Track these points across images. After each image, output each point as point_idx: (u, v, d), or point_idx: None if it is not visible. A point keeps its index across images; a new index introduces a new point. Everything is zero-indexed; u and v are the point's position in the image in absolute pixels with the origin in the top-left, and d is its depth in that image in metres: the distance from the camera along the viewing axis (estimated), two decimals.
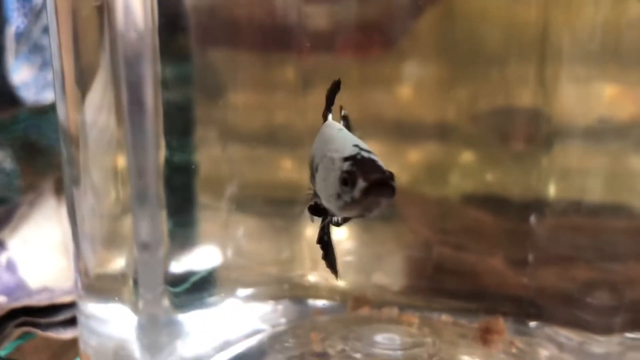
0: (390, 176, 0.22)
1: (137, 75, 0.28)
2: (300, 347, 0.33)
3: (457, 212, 0.34)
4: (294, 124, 0.33)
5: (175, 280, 0.33)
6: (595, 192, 0.30)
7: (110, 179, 0.30)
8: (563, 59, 0.30)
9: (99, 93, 0.29)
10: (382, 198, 0.22)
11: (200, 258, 0.35)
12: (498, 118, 0.32)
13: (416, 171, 0.34)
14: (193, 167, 0.33)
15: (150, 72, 0.29)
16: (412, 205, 0.35)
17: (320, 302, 0.36)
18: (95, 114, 0.30)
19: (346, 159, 0.22)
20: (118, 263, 0.31)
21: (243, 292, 0.36)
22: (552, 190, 0.31)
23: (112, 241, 0.31)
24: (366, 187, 0.21)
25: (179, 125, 0.32)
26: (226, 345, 0.33)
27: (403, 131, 0.34)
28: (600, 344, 0.31)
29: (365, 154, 0.22)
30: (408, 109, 0.33)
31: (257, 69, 0.33)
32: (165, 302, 0.33)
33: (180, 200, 0.33)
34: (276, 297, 0.36)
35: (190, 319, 0.34)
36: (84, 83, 0.29)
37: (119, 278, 0.31)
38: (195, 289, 0.34)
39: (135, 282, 0.30)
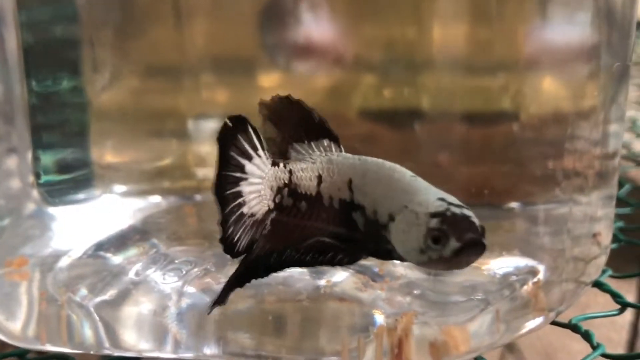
0: (483, 233, 0.22)
1: None
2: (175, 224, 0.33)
3: (354, 124, 0.35)
4: (173, 57, 0.34)
5: (48, 176, 0.34)
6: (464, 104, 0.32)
7: None
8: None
9: None
10: (474, 257, 0.22)
11: (76, 159, 0.36)
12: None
13: (321, 95, 0.35)
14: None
15: None
16: None
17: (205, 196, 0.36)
18: None
19: (433, 215, 0.22)
20: None
21: (120, 188, 0.36)
22: (428, 103, 0.33)
23: None
24: (459, 247, 0.21)
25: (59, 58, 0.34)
26: (101, 234, 0.34)
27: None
28: None
29: (457, 210, 0.22)
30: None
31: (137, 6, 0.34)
32: (35, 195, 0.34)
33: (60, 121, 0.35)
34: (158, 192, 0.36)
35: (64, 213, 0.34)
36: None
37: None
38: (70, 185, 0.35)
39: None
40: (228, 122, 0.24)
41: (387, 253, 0.24)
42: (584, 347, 0.30)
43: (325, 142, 0.26)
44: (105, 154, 0.36)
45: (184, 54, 0.34)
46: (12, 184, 0.34)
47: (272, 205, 0.25)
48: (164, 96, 0.35)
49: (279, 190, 0.25)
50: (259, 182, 0.25)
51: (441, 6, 0.32)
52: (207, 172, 0.36)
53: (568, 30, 0.32)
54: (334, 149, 0.26)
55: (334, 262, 0.25)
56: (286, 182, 0.25)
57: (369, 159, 0.25)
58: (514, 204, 0.33)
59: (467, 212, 0.22)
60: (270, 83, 0.35)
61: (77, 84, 0.35)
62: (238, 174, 0.25)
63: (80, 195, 0.35)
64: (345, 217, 0.25)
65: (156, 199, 0.36)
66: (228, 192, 0.24)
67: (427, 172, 0.33)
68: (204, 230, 0.34)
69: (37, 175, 0.34)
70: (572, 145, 0.33)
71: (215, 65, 0.34)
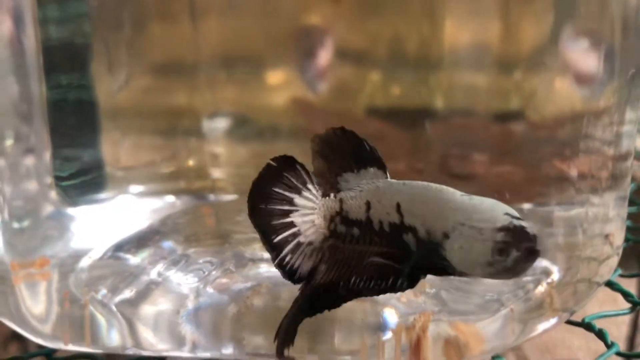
0: (537, 240, 0.24)
1: None
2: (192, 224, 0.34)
3: (362, 123, 0.36)
4: (187, 54, 0.34)
5: (65, 177, 0.35)
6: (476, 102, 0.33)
7: None
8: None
9: None
10: (530, 263, 0.24)
11: (92, 159, 0.36)
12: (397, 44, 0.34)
13: (328, 93, 0.35)
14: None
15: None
16: (317, 117, 0.36)
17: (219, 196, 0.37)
18: None
19: (500, 229, 0.24)
20: None
21: (136, 188, 0.36)
22: (441, 102, 0.34)
23: None
24: (518, 256, 0.24)
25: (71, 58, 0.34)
26: (120, 235, 0.34)
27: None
28: None
29: (517, 222, 0.24)
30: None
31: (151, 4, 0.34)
32: (53, 195, 0.34)
33: (74, 121, 0.35)
34: (173, 193, 0.36)
35: (82, 214, 0.35)
36: None
37: None
38: (86, 185, 0.35)
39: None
40: (272, 162, 0.26)
41: (443, 269, 0.26)
42: (583, 342, 0.31)
43: (372, 170, 0.27)
44: (120, 154, 0.37)
45: (197, 52, 0.34)
46: (30, 186, 0.34)
47: (327, 233, 0.27)
48: (178, 95, 0.36)
49: (332, 218, 0.27)
50: (312, 212, 0.27)
51: (452, 3, 0.32)
52: (221, 173, 0.37)
53: (582, 30, 0.32)
54: (380, 176, 0.27)
55: (396, 288, 0.26)
56: (337, 210, 0.27)
57: (414, 182, 0.27)
58: (527, 205, 0.33)
59: (525, 223, 0.24)
60: (282, 81, 0.35)
61: (91, 83, 0.35)
62: (286, 207, 0.27)
63: (97, 196, 0.35)
64: (396, 239, 0.26)
65: (171, 199, 0.36)
66: (276, 222, 0.26)
67: (436, 172, 0.34)
68: (221, 231, 0.34)
69: (57, 177, 0.34)
70: (586, 146, 0.33)
71: (228, 64, 0.34)
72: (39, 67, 0.33)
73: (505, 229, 0.24)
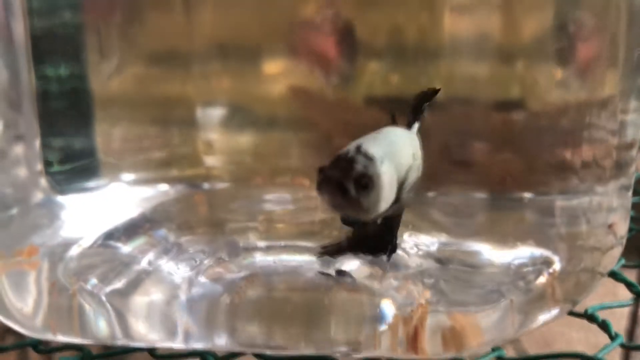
0: (357, 177, 0.22)
1: None
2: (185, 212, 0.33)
3: (359, 111, 0.35)
4: (180, 45, 0.34)
5: (56, 165, 0.34)
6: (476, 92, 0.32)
7: None
8: None
9: None
10: (327, 194, 0.22)
11: (84, 147, 0.35)
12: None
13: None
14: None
15: None
16: (316, 106, 0.36)
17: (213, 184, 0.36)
18: None
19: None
20: None
21: (129, 176, 0.36)
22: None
23: None
24: (318, 181, 0.22)
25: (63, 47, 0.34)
26: (110, 223, 0.34)
27: None
28: None
29: (349, 155, 0.22)
30: None
31: None
32: (43, 183, 0.34)
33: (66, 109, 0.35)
34: (166, 181, 0.36)
35: (72, 202, 0.34)
36: None
37: None
38: (77, 173, 0.35)
39: None
40: None
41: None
42: (583, 335, 0.30)
43: None
44: (113, 142, 0.36)
45: (191, 41, 0.33)
46: (19, 172, 0.34)
47: None
48: (172, 84, 0.35)
49: None
50: None
51: None
52: (215, 161, 0.36)
53: (585, 17, 0.32)
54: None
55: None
56: None
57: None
58: (528, 194, 0.33)
59: (362, 159, 0.23)
60: (277, 70, 0.35)
61: (83, 71, 0.35)
62: None
63: (88, 184, 0.35)
64: None
65: (164, 187, 0.36)
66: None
67: (436, 159, 0.33)
68: (215, 219, 0.34)
69: (47, 164, 0.34)
70: (589, 135, 0.33)
71: (223, 53, 0.34)
72: (28, 54, 0.33)
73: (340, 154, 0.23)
